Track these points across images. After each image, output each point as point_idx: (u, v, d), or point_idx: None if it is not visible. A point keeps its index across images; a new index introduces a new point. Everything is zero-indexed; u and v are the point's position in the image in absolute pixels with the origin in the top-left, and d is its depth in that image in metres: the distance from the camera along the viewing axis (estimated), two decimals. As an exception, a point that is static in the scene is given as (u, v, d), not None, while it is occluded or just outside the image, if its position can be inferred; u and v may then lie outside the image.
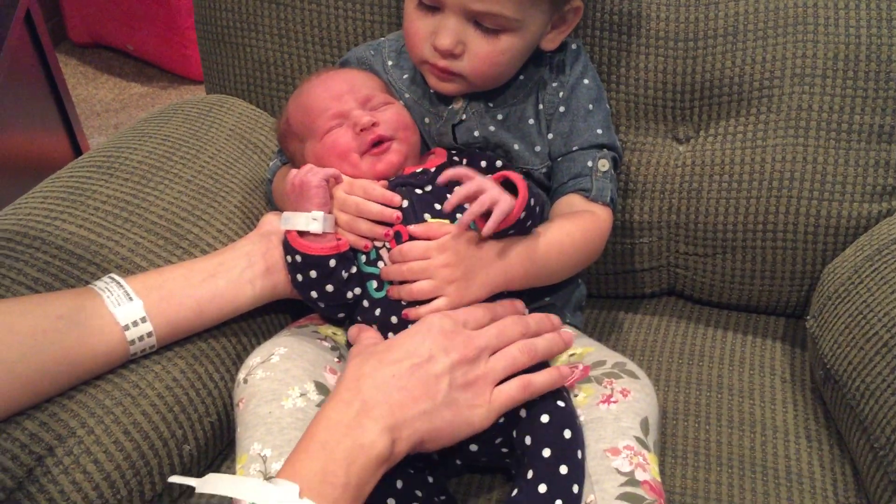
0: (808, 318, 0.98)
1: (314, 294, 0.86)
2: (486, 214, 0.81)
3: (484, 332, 0.79)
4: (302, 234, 0.84)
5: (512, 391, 0.77)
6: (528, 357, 0.79)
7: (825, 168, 1.00)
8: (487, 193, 0.80)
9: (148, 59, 2.59)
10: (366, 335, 0.84)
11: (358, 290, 0.87)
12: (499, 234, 0.84)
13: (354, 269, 0.86)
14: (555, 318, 0.86)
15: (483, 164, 0.93)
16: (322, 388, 0.81)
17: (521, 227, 0.83)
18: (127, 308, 0.80)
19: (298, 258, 0.84)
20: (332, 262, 0.84)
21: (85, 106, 2.46)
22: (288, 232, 0.85)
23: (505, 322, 0.81)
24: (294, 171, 0.87)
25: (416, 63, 0.92)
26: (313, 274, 0.84)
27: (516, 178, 0.82)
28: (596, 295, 1.13)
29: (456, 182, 0.82)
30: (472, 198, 0.80)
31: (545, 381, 0.78)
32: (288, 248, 0.85)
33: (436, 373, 0.74)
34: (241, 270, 0.87)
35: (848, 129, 0.99)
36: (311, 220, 0.84)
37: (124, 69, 2.63)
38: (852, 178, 1.00)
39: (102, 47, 2.68)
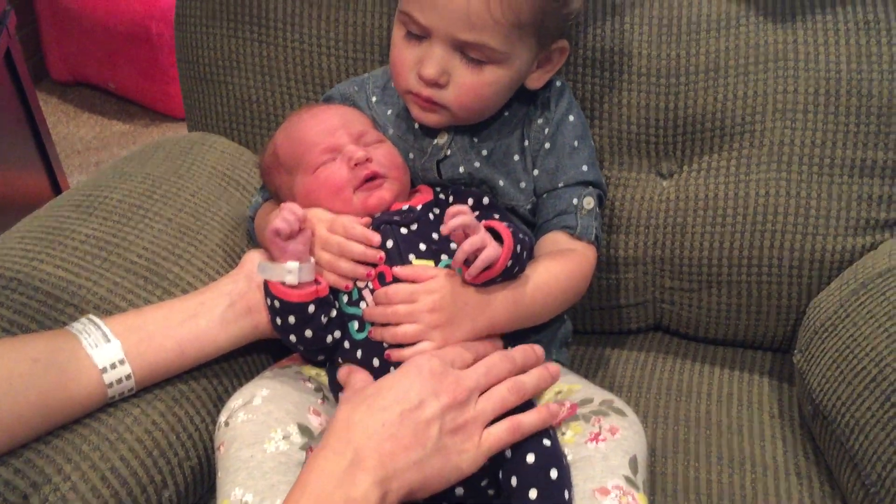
0: (795, 352, 0.98)
1: (293, 338, 0.85)
2: (474, 259, 0.80)
3: (472, 372, 0.77)
4: None
5: (501, 434, 0.75)
6: (517, 397, 0.78)
7: (808, 202, 1.00)
8: (479, 235, 0.79)
9: (129, 97, 2.59)
10: (356, 377, 0.82)
11: (338, 334, 0.85)
12: (485, 283, 0.83)
13: (334, 313, 0.85)
14: (538, 349, 0.84)
15: (470, 200, 0.93)
16: (306, 431, 0.80)
17: (507, 273, 0.83)
18: (105, 350, 0.78)
19: (277, 303, 0.83)
20: (311, 308, 0.83)
21: (66, 144, 2.44)
22: None
23: (492, 359, 0.79)
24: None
25: (400, 93, 0.92)
26: (291, 319, 0.83)
27: (500, 228, 0.82)
28: (581, 331, 1.12)
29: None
30: (465, 230, 0.79)
31: (534, 421, 0.77)
32: (267, 291, 0.84)
33: (426, 418, 0.72)
34: (223, 310, 0.85)
35: (830, 164, 1.00)
36: (286, 273, 0.82)
37: (105, 107, 2.62)
38: (835, 212, 1.00)
39: (84, 85, 2.68)
